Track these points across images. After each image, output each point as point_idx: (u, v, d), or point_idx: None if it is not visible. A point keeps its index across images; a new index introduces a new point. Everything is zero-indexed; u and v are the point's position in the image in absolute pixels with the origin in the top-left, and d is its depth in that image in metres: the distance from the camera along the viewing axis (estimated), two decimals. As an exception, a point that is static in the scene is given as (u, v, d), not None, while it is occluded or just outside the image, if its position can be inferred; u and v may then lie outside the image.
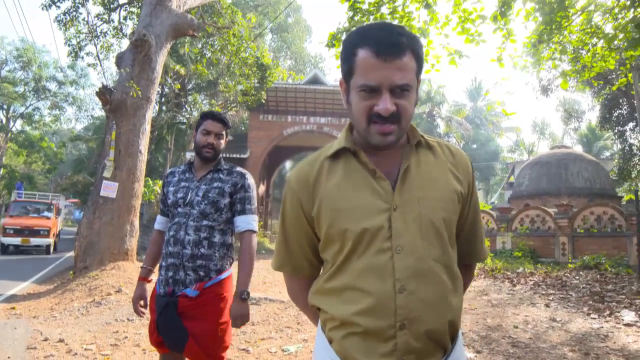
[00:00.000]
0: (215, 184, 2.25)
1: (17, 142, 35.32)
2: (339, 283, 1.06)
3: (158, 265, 2.36)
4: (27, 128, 37.43)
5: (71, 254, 15.84)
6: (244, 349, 4.15)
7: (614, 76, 16.73)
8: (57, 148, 37.51)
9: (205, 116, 2.33)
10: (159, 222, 2.43)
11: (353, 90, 1.04)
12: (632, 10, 5.34)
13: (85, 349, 4.03)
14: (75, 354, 3.92)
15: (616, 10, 7.19)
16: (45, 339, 4.29)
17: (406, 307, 0.99)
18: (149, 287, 2.37)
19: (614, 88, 11.99)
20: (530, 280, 8.75)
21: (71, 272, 8.41)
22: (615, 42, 6.99)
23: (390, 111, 0.99)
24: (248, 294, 2.15)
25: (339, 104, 19.57)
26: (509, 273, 9.79)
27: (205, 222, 2.18)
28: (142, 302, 2.33)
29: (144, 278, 2.36)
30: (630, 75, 11.06)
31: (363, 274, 1.03)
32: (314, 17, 79.40)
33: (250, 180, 2.33)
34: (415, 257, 1.02)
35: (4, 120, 35.40)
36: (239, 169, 2.35)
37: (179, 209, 2.22)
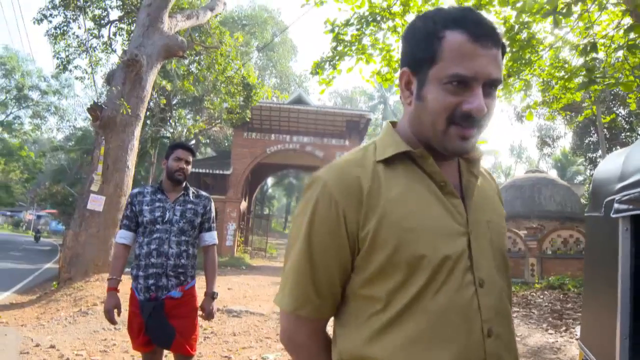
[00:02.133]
0: (189, 206, 2.68)
1: (-5, 150, 34.97)
2: (405, 332, 0.80)
3: (131, 276, 2.61)
4: (7, 136, 37.06)
5: (49, 265, 15.82)
6: (226, 356, 4.47)
7: (584, 105, 17.66)
8: (37, 157, 37.23)
9: (176, 146, 2.78)
10: (125, 236, 2.66)
11: (433, 82, 0.82)
12: (584, 56, 5.93)
13: (77, 355, 4.30)
14: (67, 359, 4.18)
15: (581, 47, 7.86)
16: (37, 345, 4.54)
17: (495, 355, 0.82)
18: (120, 297, 2.61)
19: (580, 119, 12.75)
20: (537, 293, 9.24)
21: (54, 282, 8.56)
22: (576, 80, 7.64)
23: (484, 112, 0.80)
24: (217, 294, 2.74)
25: (322, 124, 20.10)
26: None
27: (183, 238, 2.61)
28: (116, 311, 2.58)
29: (113, 288, 2.60)
30: (594, 107, 11.84)
31: (445, 317, 0.79)
32: (299, 37, 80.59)
33: (212, 203, 2.84)
34: (497, 292, 0.85)
35: (-17, 128, 35.02)
36: (204, 193, 2.83)
37: (158, 226, 2.59)
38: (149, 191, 2.71)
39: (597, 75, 5.58)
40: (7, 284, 10.17)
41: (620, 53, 6.87)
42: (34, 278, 12.20)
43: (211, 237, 2.74)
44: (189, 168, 2.75)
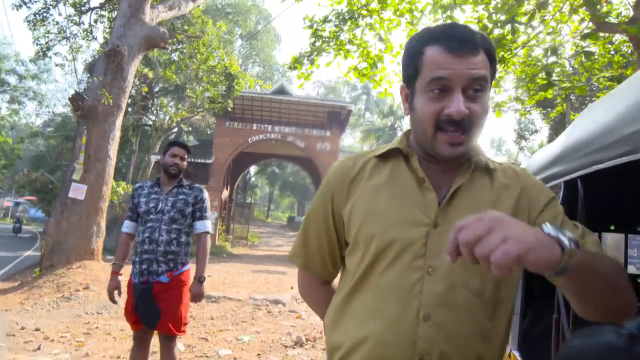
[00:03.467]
0: (180, 197, 2.96)
1: (-29, 136, 34.21)
2: (358, 304, 0.94)
3: (131, 261, 2.98)
4: (-17, 121, 36.31)
5: (29, 252, 15.84)
6: (203, 338, 4.77)
7: (556, 102, 18.21)
8: (15, 144, 36.60)
9: (173, 144, 3.09)
10: (128, 226, 3.05)
11: (419, 93, 0.92)
12: (547, 56, 6.30)
13: (61, 337, 4.55)
14: (52, 340, 4.44)
15: (556, 45, 8.24)
16: (22, 328, 4.77)
17: (429, 340, 0.86)
18: (122, 279, 2.99)
19: (551, 115, 13.22)
20: None
21: (36, 270, 8.72)
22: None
23: (463, 114, 0.86)
24: (204, 278, 2.93)
25: (304, 114, 20.34)
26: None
27: (174, 226, 2.88)
28: (116, 292, 2.96)
29: (116, 272, 2.98)
30: (565, 105, 12.33)
31: (385, 294, 0.90)
32: (283, 26, 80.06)
33: (206, 194, 3.09)
34: (451, 283, 0.88)
35: (-41, 113, 34.24)
36: (197, 185, 3.10)
37: (151, 216, 2.88)
38: (148, 185, 3.03)
39: (555, 79, 5.96)
40: (-13, 270, 10.27)
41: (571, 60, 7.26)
42: (14, 265, 12.28)
43: (202, 226, 2.97)
44: (184, 164, 3.03)
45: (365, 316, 0.91)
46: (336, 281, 1.12)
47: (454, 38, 0.88)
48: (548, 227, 0.69)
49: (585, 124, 1.10)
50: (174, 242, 2.86)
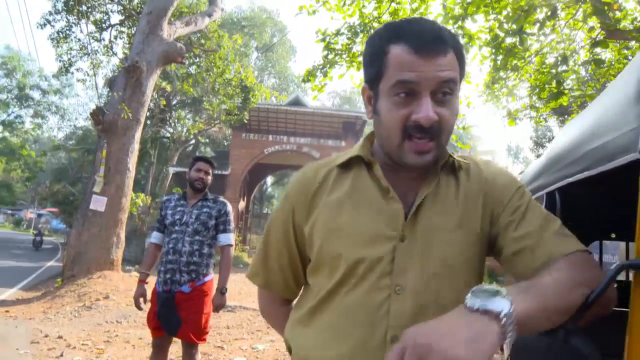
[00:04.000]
0: (204, 210, 3.07)
1: (-4, 149, 35.29)
2: (321, 322, 0.88)
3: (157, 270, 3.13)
4: (8, 135, 37.40)
5: (51, 263, 16.21)
6: (219, 346, 4.87)
7: (573, 109, 18.05)
8: (38, 156, 37.60)
9: (198, 159, 3.22)
10: (155, 237, 3.22)
11: (382, 96, 0.85)
12: (558, 65, 6.31)
13: (82, 344, 4.70)
14: (74, 347, 4.58)
15: (567, 53, 8.24)
16: (46, 336, 4.94)
17: None
18: (147, 287, 3.13)
19: (567, 122, 13.10)
20: None
21: (58, 280, 8.96)
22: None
23: (432, 120, 0.79)
24: (226, 289, 3.04)
25: (319, 125, 20.50)
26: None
27: (197, 238, 3.00)
28: (142, 299, 3.09)
29: (142, 280, 3.15)
30: (579, 111, 12.27)
31: (351, 315, 0.84)
32: (298, 37, 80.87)
33: (229, 207, 3.19)
34: (419, 302, 0.82)
35: (-15, 127, 35.35)
36: (221, 198, 3.20)
37: (176, 227, 3.02)
38: (175, 198, 3.19)
39: (566, 88, 5.97)
40: (12, 281, 10.56)
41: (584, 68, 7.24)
42: (37, 275, 12.58)
43: (226, 238, 3.10)
44: (209, 178, 3.16)
45: (330, 338, 0.85)
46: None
47: (421, 36, 0.80)
48: (471, 300, 0.63)
49: (564, 138, 1.17)
50: (196, 253, 2.97)
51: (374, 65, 0.85)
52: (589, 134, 0.95)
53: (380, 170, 0.90)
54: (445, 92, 0.81)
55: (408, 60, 0.79)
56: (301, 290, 1.02)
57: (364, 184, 0.91)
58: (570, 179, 1.00)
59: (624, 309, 0.73)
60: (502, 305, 0.60)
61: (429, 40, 0.80)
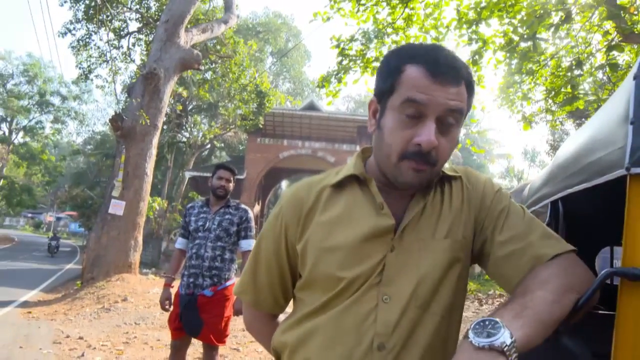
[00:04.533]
0: (227, 217, 3.17)
1: (18, 154, 36.06)
2: (311, 327, 0.90)
3: (180, 274, 3.24)
4: (29, 140, 38.26)
5: (70, 265, 16.54)
6: (235, 349, 4.95)
7: (589, 112, 17.83)
8: (57, 161, 38.39)
9: (220, 167, 3.31)
10: (180, 242, 3.33)
11: (390, 111, 0.87)
12: (572, 69, 6.28)
13: (102, 345, 4.83)
14: (94, 348, 4.71)
15: (583, 57, 8.19)
16: (67, 336, 5.08)
17: None
18: (172, 291, 3.24)
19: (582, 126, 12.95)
20: (498, 300, 9.58)
21: (78, 282, 9.17)
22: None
23: (433, 145, 0.82)
24: None
25: (334, 129, 20.59)
26: (480, 294, 10.62)
27: (219, 244, 3.09)
28: (167, 302, 3.20)
29: (168, 284, 3.25)
30: (597, 115, 12.11)
31: (342, 324, 0.87)
32: (313, 42, 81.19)
33: (251, 214, 3.28)
34: (406, 310, 0.85)
35: (7, 132, 36.21)
36: (243, 206, 3.30)
37: (199, 233, 3.11)
38: (198, 205, 3.29)
39: (581, 92, 5.95)
40: (33, 283, 10.82)
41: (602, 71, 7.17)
42: (57, 278, 12.86)
43: (247, 244, 3.17)
44: (231, 185, 3.26)
45: (319, 343, 0.88)
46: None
47: (438, 62, 0.82)
48: (476, 338, 0.66)
49: (568, 149, 1.22)
50: (218, 258, 3.07)
51: (387, 80, 0.86)
52: (587, 148, 1.00)
53: (376, 186, 0.92)
54: (449, 122, 0.83)
55: (422, 82, 0.81)
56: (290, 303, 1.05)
57: (358, 201, 0.92)
58: (569, 190, 1.04)
59: (612, 312, 0.79)
60: (504, 338, 0.65)
61: (445, 68, 0.82)
